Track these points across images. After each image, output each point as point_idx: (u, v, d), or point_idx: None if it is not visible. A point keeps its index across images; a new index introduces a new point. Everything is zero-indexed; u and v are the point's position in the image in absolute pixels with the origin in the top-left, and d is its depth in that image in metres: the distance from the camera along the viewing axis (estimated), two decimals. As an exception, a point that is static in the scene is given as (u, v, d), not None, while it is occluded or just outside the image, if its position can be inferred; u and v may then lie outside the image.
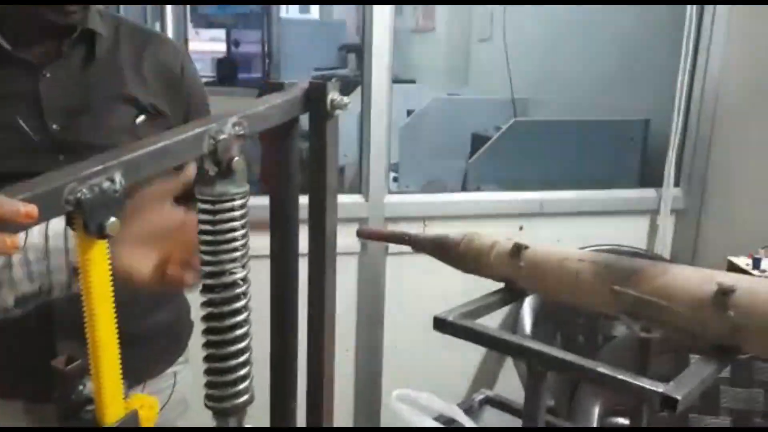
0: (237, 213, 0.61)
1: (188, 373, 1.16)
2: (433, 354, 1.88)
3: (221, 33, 6.81)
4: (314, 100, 0.67)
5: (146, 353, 1.06)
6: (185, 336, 1.17)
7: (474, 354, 2.05)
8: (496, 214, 1.93)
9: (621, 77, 2.42)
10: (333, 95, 0.67)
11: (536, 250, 0.82)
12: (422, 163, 2.70)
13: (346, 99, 0.67)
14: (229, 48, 6.86)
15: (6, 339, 0.94)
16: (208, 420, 0.86)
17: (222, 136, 0.57)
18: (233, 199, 0.60)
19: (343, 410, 1.92)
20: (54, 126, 0.94)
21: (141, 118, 1.00)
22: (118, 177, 0.48)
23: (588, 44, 2.60)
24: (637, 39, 2.36)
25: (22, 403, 1.02)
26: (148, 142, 0.52)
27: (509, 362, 2.03)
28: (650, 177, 2.15)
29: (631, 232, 2.06)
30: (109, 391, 0.51)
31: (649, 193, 2.09)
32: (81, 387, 0.53)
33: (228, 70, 4.67)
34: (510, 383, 1.95)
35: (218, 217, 0.60)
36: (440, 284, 1.68)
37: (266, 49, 6.78)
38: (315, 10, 6.96)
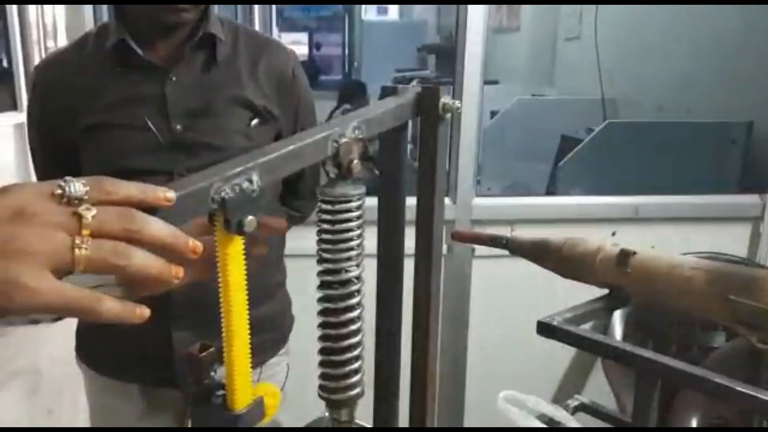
0: (354, 214, 0.63)
1: (287, 364, 1.21)
2: (518, 359, 1.87)
3: (303, 36, 6.98)
4: (426, 103, 0.69)
5: (256, 342, 1.12)
6: (287, 329, 1.22)
7: (560, 359, 2.02)
8: (588, 218, 1.89)
9: (721, 77, 2.31)
10: (445, 99, 0.68)
11: (644, 256, 0.80)
12: (505, 166, 2.68)
13: (457, 103, 0.69)
14: (311, 50, 7.03)
15: (124, 325, 1.01)
16: (300, 410, 0.89)
17: (344, 140, 0.60)
18: (351, 200, 0.63)
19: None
20: (178, 127, 1.01)
21: (255, 121, 1.05)
22: (255, 177, 0.52)
23: (683, 42, 2.49)
24: (738, 37, 2.24)
25: (137, 386, 1.09)
26: (280, 145, 0.55)
27: (597, 369, 1.98)
28: (753, 182, 2.05)
29: (730, 240, 1.97)
30: (240, 377, 0.55)
31: (752, 199, 1.99)
32: (213, 373, 0.56)
33: (310, 73, 4.80)
34: (597, 389, 1.91)
35: (337, 217, 0.63)
36: (526, 288, 1.67)
37: (347, 51, 6.90)
38: (393, 10, 7.00)
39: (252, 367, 1.15)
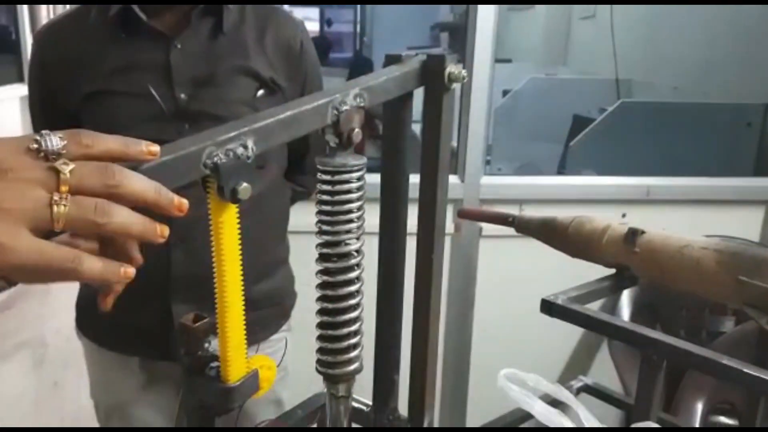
0: (354, 185, 0.61)
1: (290, 340, 1.20)
2: (523, 339, 1.85)
3: (314, 12, 6.90)
4: (432, 72, 0.66)
5: (256, 318, 1.11)
6: (290, 305, 1.21)
7: (566, 340, 2.00)
8: (598, 199, 1.86)
9: (737, 59, 2.26)
10: (451, 68, 0.66)
11: (653, 235, 0.78)
12: (516, 146, 2.64)
13: (464, 72, 0.66)
14: (322, 27, 6.96)
15: (124, 298, 1.00)
16: (304, 386, 0.88)
17: (344, 107, 0.58)
18: (351, 171, 0.61)
19: None
20: (182, 95, 0.99)
21: (261, 91, 1.02)
22: (250, 143, 0.50)
23: (700, 23, 2.44)
24: (756, 19, 2.19)
25: (138, 359, 1.09)
26: (277, 111, 0.54)
27: (603, 350, 1.97)
28: (768, 165, 2.01)
29: (742, 223, 1.93)
30: (234, 349, 0.53)
31: (766, 182, 1.95)
32: (207, 344, 0.55)
33: (320, 49, 4.75)
34: (602, 371, 1.90)
35: (337, 188, 0.61)
36: (533, 268, 1.65)
37: (358, 28, 6.82)
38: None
39: (253, 343, 1.15)
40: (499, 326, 1.92)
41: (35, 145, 0.39)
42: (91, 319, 1.12)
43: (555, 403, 0.68)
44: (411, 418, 0.75)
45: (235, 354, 0.53)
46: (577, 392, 1.14)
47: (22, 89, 1.96)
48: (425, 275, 0.71)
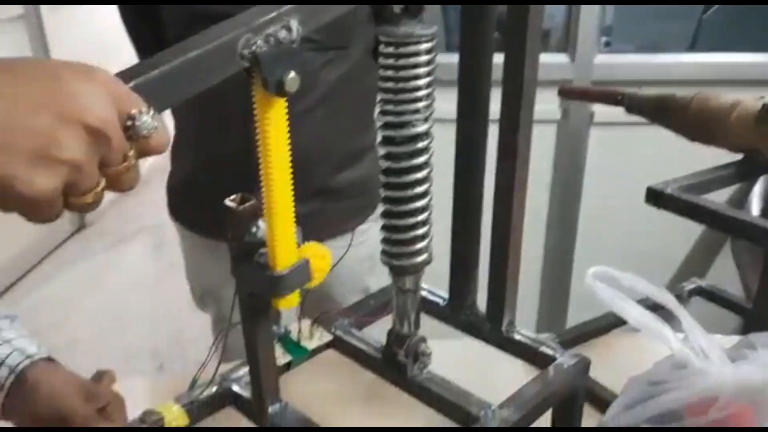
0: (422, 58, 0.53)
1: (377, 231, 1.17)
2: (634, 236, 1.72)
3: None
4: None
5: (340, 208, 1.08)
6: (377, 194, 1.16)
7: (682, 239, 1.84)
8: (733, 79, 1.62)
9: None
10: None
11: (796, 112, 0.64)
12: (640, 25, 2.35)
13: None
14: None
15: (211, 182, 0.99)
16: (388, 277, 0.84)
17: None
18: (419, 42, 0.52)
19: (529, 287, 1.86)
20: None
21: None
22: (294, 24, 0.42)
23: None
24: None
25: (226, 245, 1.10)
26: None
27: (725, 252, 1.79)
28: None
29: None
30: (282, 235, 0.49)
31: None
32: (254, 229, 0.51)
33: None
34: (721, 275, 1.74)
35: (401, 62, 0.53)
36: (649, 158, 1.49)
37: None
38: None
39: (341, 233, 1.13)
40: (607, 222, 1.79)
41: (129, 122, 0.36)
42: (181, 204, 1.14)
43: (656, 308, 0.59)
44: (489, 315, 0.69)
45: (283, 240, 0.49)
46: (689, 295, 1.03)
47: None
48: (507, 161, 0.61)
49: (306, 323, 0.70)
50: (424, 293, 0.72)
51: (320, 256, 0.53)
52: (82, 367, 0.77)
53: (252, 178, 1.01)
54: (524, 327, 0.68)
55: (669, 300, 0.55)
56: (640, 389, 0.55)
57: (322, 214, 1.03)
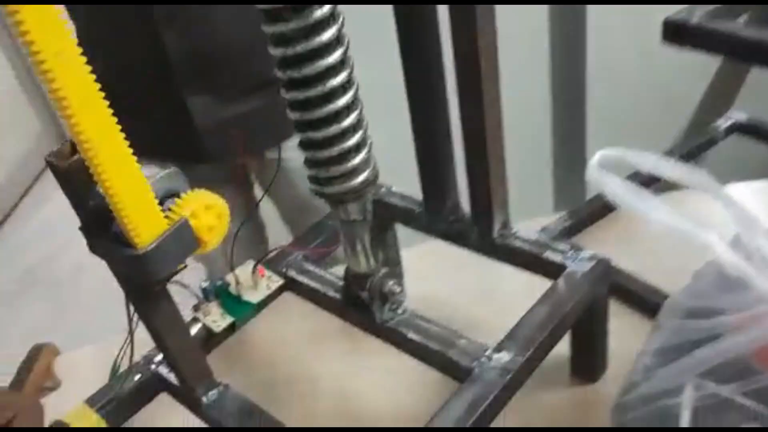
0: None
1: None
2: (648, 83, 1.50)
3: None
4: None
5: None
6: None
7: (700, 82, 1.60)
8: None
9: None
10: None
11: None
12: None
13: None
14: None
15: (133, 100, 0.83)
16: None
17: None
18: None
19: (540, 164, 1.65)
20: None
21: None
22: None
23: None
24: None
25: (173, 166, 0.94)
26: None
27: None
28: None
29: None
30: (128, 196, 0.33)
31: None
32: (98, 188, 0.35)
33: None
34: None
35: None
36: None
37: None
38: None
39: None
40: (621, 62, 1.56)
41: None
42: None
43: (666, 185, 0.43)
44: (475, 218, 0.54)
45: (132, 203, 0.33)
46: (726, 133, 0.86)
47: None
48: (468, 38, 0.43)
49: (247, 268, 0.56)
50: (394, 200, 0.56)
51: (209, 207, 0.37)
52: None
53: (172, 86, 0.85)
54: (540, 206, 0.52)
55: (710, 185, 0.39)
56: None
57: (268, 111, 0.87)
